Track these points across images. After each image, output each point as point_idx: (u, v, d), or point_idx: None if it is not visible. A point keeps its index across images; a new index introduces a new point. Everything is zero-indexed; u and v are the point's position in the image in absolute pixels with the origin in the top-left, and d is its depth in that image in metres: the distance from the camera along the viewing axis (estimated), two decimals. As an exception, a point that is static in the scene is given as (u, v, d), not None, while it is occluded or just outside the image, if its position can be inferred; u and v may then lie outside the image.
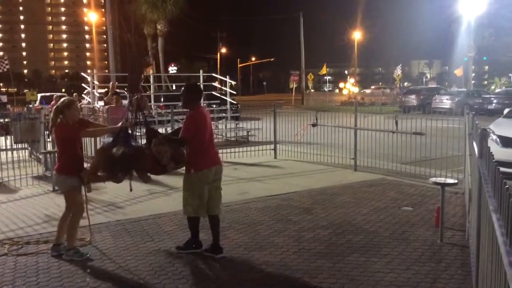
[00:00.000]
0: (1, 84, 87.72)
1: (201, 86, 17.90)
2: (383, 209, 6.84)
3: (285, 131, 12.09)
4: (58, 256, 5.17)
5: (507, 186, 2.11)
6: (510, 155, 7.74)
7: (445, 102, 27.87)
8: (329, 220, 6.34)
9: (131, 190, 5.45)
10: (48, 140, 10.23)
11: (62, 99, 5.33)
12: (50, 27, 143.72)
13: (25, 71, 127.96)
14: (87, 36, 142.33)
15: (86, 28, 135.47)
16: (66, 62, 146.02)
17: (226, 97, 18.11)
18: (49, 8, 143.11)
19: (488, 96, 29.05)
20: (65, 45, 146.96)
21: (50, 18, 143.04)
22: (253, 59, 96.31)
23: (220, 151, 10.36)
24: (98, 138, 8.94)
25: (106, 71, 63.36)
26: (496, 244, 2.10)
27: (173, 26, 37.95)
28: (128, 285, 4.52)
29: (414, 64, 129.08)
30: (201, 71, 19.13)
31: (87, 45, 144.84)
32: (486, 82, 79.82)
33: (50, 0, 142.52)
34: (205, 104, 16.70)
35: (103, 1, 52.01)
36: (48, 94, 28.90)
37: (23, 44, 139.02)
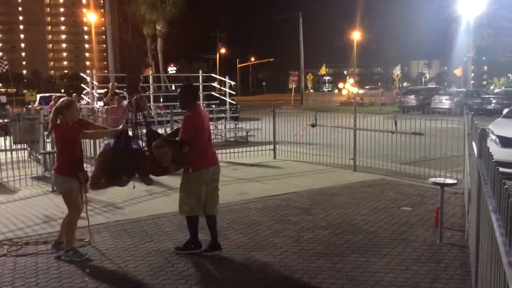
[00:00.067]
0: (0, 85, 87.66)
1: (200, 86, 17.93)
2: (383, 209, 6.84)
3: (285, 132, 12.09)
4: (57, 257, 5.17)
5: (506, 186, 2.11)
6: (509, 155, 7.74)
7: (444, 102, 27.87)
8: (329, 221, 6.34)
9: (134, 187, 5.60)
10: (47, 140, 10.21)
11: (61, 100, 5.33)
12: (49, 27, 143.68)
13: (24, 71, 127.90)
14: (86, 37, 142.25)
15: (85, 28, 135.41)
16: (65, 63, 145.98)
17: (226, 97, 18.12)
18: (48, 9, 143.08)
19: (487, 96, 29.07)
20: (64, 45, 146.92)
21: (49, 18, 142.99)
22: (253, 59, 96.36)
23: (219, 151, 10.39)
24: (97, 139, 8.91)
25: (105, 71, 63.34)
26: (495, 244, 2.11)
27: (172, 27, 37.97)
28: (127, 285, 4.52)
29: (413, 64, 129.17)
30: (200, 72, 19.13)
31: (86, 46, 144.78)
32: (485, 82, 79.91)
33: (49, 0, 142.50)
34: (204, 105, 16.72)
35: (102, 1, 51.97)
36: (47, 94, 28.91)
37: (22, 45, 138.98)
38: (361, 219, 6.39)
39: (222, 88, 18.96)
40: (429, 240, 5.48)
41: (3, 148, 10.84)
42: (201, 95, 17.77)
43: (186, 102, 5.23)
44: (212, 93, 19.00)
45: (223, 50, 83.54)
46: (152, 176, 5.36)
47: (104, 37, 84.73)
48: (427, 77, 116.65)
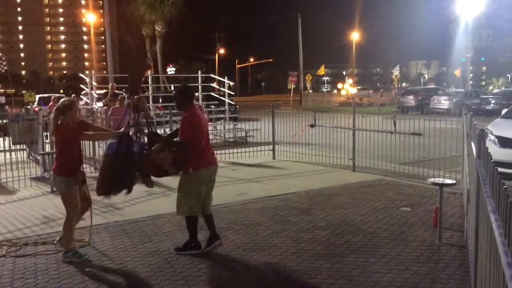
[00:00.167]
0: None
1: (200, 87, 17.93)
2: (382, 209, 6.84)
3: (284, 132, 12.09)
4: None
5: (505, 186, 2.11)
6: (508, 155, 7.74)
7: (443, 102, 27.90)
8: (328, 221, 6.34)
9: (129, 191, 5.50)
10: (46, 141, 10.21)
11: (62, 100, 5.32)
12: (48, 28, 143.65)
13: (23, 72, 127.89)
14: (85, 37, 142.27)
15: (84, 29, 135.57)
16: (64, 63, 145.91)
17: (225, 98, 18.12)
18: (47, 9, 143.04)
19: (486, 96, 29.08)
20: (63, 46, 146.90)
21: (48, 19, 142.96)
22: (252, 60, 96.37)
23: (218, 152, 10.40)
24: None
25: (104, 72, 63.26)
26: (494, 245, 2.11)
27: (171, 27, 37.96)
28: (126, 286, 4.52)
29: (412, 64, 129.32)
30: (199, 72, 19.13)
31: (85, 46, 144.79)
32: (484, 83, 79.89)
33: (48, 1, 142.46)
34: (203, 105, 16.71)
35: (101, 2, 51.97)
36: (46, 95, 28.86)
37: (21, 45, 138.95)
38: (360, 219, 6.39)
39: (221, 88, 18.96)
40: (428, 240, 5.48)
41: (2, 148, 10.81)
42: (200, 95, 17.78)
43: (182, 103, 5.28)
44: (211, 93, 19.00)
45: (222, 51, 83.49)
46: (152, 177, 5.38)
47: (103, 37, 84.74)
48: (426, 77, 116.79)
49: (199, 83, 18.10)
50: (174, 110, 11.72)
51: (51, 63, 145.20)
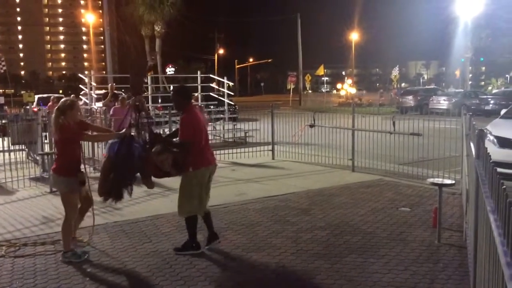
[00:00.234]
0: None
1: (199, 87, 17.93)
2: (381, 209, 6.85)
3: (283, 132, 12.09)
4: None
5: (504, 186, 2.11)
6: (507, 155, 7.75)
7: (442, 103, 27.90)
8: (327, 221, 6.34)
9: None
10: (45, 141, 10.20)
11: (63, 100, 5.32)
12: (48, 28, 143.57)
13: (22, 72, 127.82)
14: (84, 38, 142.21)
15: (84, 29, 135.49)
16: (63, 63, 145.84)
17: (224, 98, 18.12)
18: (46, 10, 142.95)
19: (485, 97, 29.10)
20: (62, 46, 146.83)
21: (47, 19, 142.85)
22: (251, 60, 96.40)
23: (217, 152, 10.39)
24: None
25: (104, 72, 63.24)
26: (493, 245, 2.11)
27: (170, 28, 37.92)
28: (125, 286, 4.52)
29: (411, 65, 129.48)
30: (198, 72, 19.13)
31: (85, 47, 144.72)
32: (483, 83, 79.99)
33: (48, 1, 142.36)
34: (203, 105, 16.71)
35: (100, 2, 51.98)
36: (45, 95, 28.83)
37: (20, 46, 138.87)
38: (359, 219, 6.39)
39: (221, 88, 18.96)
40: (428, 241, 5.49)
41: (1, 149, 10.80)
42: (199, 95, 17.78)
43: (180, 103, 5.32)
44: (211, 93, 19.00)
45: (221, 51, 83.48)
46: (153, 178, 5.40)
47: (102, 38, 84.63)
48: (425, 77, 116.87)
49: (199, 83, 18.10)
50: (173, 111, 11.73)
51: (50, 63, 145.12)
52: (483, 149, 3.28)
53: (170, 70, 50.07)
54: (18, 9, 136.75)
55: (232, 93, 22.94)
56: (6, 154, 10.40)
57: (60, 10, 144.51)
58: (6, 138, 10.93)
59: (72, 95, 19.67)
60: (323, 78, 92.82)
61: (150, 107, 16.52)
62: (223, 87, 18.51)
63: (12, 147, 10.66)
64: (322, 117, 12.29)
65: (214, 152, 5.87)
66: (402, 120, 10.04)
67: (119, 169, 5.04)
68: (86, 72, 25.50)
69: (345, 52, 74.08)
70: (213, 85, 19.96)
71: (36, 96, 28.83)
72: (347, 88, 62.54)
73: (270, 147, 12.13)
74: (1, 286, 4.48)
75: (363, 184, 8.60)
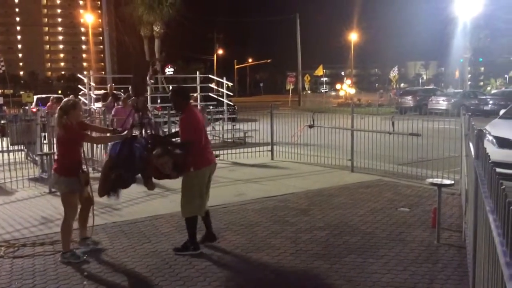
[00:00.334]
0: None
1: (198, 87, 17.92)
2: (380, 210, 6.85)
3: (282, 133, 12.09)
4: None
5: (503, 186, 2.12)
6: (506, 155, 7.76)
7: (442, 103, 27.92)
8: (326, 221, 6.34)
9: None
10: (44, 142, 10.20)
11: (66, 100, 5.34)
12: (46, 28, 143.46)
13: (21, 72, 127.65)
14: (83, 38, 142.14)
15: (83, 29, 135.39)
16: (62, 64, 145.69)
17: (223, 98, 18.12)
18: (45, 10, 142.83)
19: (484, 97, 29.13)
20: (61, 46, 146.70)
21: (46, 19, 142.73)
22: (250, 60, 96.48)
23: (217, 152, 10.38)
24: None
25: (103, 72, 63.22)
26: (493, 245, 2.11)
27: (169, 28, 37.92)
28: (125, 286, 4.51)
29: (410, 65, 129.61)
30: (198, 73, 19.12)
31: (84, 47, 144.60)
32: (482, 83, 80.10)
33: (46, 1, 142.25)
34: (202, 105, 16.70)
35: (99, 2, 51.94)
36: (44, 95, 28.81)
37: (19, 46, 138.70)
38: (358, 219, 6.39)
39: (220, 89, 18.95)
40: (427, 241, 5.49)
41: (0, 149, 10.80)
42: (198, 96, 17.77)
43: (179, 104, 5.33)
44: (210, 94, 19.00)
45: (220, 51, 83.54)
46: (153, 179, 5.41)
47: (101, 38, 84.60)
48: (424, 78, 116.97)
49: (198, 83, 18.09)
50: (172, 111, 11.73)
51: (49, 64, 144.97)
52: (482, 149, 3.28)
53: (169, 71, 50.05)
54: (17, 10, 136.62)
55: (231, 94, 22.93)
56: (5, 154, 10.38)
57: (59, 11, 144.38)
58: (5, 139, 10.93)
59: (71, 96, 19.69)
60: (322, 79, 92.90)
61: (149, 108, 16.53)
62: (222, 87, 18.50)
63: (11, 148, 10.66)
64: (321, 118, 12.29)
65: (214, 152, 5.89)
66: (401, 121, 10.05)
67: (119, 169, 5.05)
68: (85, 73, 25.47)
69: (344, 52, 74.24)
70: (212, 85, 19.94)
71: (35, 97, 28.80)
72: (346, 88, 62.54)
73: (269, 147, 12.13)
74: (0, 286, 4.48)
75: (362, 185, 8.60)
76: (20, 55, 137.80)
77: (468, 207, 4.70)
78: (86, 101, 16.90)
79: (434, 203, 6.25)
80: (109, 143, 5.68)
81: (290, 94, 46.58)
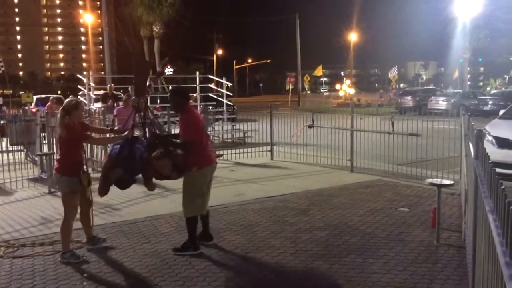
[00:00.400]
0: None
1: (198, 87, 17.93)
2: (380, 210, 6.85)
3: (282, 133, 12.09)
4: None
5: (503, 186, 2.12)
6: (506, 156, 7.76)
7: (441, 103, 27.94)
8: (326, 222, 6.34)
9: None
10: (44, 142, 10.19)
11: (68, 100, 5.35)
12: (46, 29, 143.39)
13: (21, 73, 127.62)
14: (83, 38, 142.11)
15: (82, 30, 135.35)
16: (61, 64, 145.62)
17: (223, 98, 18.12)
18: (45, 10, 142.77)
19: (483, 97, 29.15)
20: (61, 47, 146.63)
21: (45, 20, 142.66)
22: (249, 60, 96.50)
23: (216, 152, 10.36)
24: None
25: (102, 72, 63.23)
26: (492, 245, 2.11)
27: (169, 28, 37.91)
28: (124, 287, 4.51)
29: (410, 65, 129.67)
30: (197, 73, 19.13)
31: (83, 47, 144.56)
32: (481, 84, 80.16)
33: (46, 2, 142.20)
34: (201, 106, 16.71)
35: (99, 3, 51.92)
36: (43, 96, 28.79)
37: (19, 46, 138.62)
38: (358, 220, 6.39)
39: (219, 89, 18.96)
40: (426, 241, 5.49)
41: (0, 149, 10.80)
42: (198, 96, 17.77)
43: (178, 104, 5.34)
44: (209, 94, 19.00)
45: (220, 52, 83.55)
46: (154, 180, 5.42)
47: (100, 38, 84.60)
48: (424, 78, 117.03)
49: (197, 83, 18.09)
50: (172, 111, 11.72)
51: (48, 64, 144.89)
52: (482, 150, 3.28)
53: (168, 71, 50.05)
54: (16, 10, 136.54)
55: (231, 94, 22.94)
56: (5, 154, 10.38)
57: (58, 11, 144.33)
58: (4, 139, 10.92)
59: (70, 96, 19.68)
60: (321, 79, 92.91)
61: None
62: (221, 87, 18.51)
63: (10, 148, 10.66)
64: (320, 118, 12.30)
65: (217, 152, 5.91)
66: (401, 121, 10.05)
67: (119, 170, 5.06)
68: (84, 73, 25.47)
69: (344, 52, 74.27)
70: (212, 85, 19.95)
71: (35, 97, 28.77)
72: (345, 88, 62.57)
73: (269, 147, 12.13)
74: (0, 286, 4.48)
75: (362, 185, 8.60)
76: (19, 55, 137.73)
77: (468, 207, 4.70)
78: (86, 102, 16.90)
79: (433, 203, 6.25)
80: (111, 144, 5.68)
81: (290, 94, 46.61)
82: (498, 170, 2.61)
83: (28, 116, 11.02)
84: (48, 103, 18.36)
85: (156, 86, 25.34)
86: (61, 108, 5.22)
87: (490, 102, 26.75)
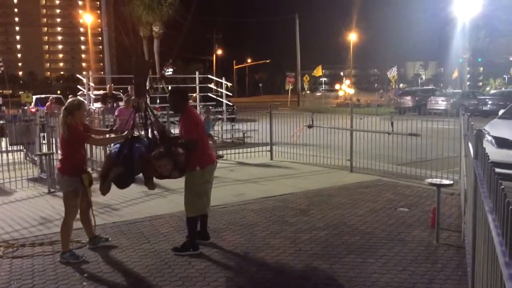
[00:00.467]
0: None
1: (197, 87, 17.92)
2: (379, 210, 6.85)
3: (281, 133, 12.09)
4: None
5: (502, 186, 2.12)
6: (505, 156, 7.76)
7: (441, 103, 27.96)
8: (326, 221, 6.34)
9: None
10: (43, 142, 10.19)
11: (71, 100, 5.35)
12: (46, 29, 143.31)
13: (20, 73, 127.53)
14: (82, 38, 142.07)
15: (82, 30, 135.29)
16: (61, 64, 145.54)
17: (222, 98, 18.11)
18: (44, 10, 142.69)
19: (483, 97, 29.17)
20: (60, 47, 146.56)
21: (45, 20, 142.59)
22: (249, 60, 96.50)
23: (220, 153, 10.38)
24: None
25: (102, 72, 63.20)
26: (492, 245, 2.11)
27: (168, 28, 37.88)
28: (124, 287, 4.51)
29: (409, 65, 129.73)
30: (197, 73, 19.12)
31: (83, 47, 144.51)
32: (481, 84, 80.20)
33: (45, 2, 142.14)
34: (201, 106, 16.71)
35: (98, 3, 51.93)
36: (43, 96, 28.83)
37: (18, 46, 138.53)
38: (358, 220, 6.39)
39: (219, 89, 18.95)
40: (426, 241, 5.49)
41: (-1, 149, 10.81)
42: (197, 96, 17.77)
43: (178, 104, 5.34)
44: (209, 94, 18.99)
45: (219, 52, 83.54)
46: (154, 179, 5.42)
47: (100, 38, 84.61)
48: (423, 78, 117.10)
49: (197, 83, 18.08)
50: (171, 111, 11.72)
51: (48, 64, 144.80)
52: (481, 150, 3.29)
53: (168, 71, 50.03)
54: (16, 10, 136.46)
55: (231, 94, 22.93)
56: (4, 154, 10.39)
57: (58, 11, 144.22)
58: (4, 139, 10.92)
59: (70, 96, 19.67)
60: (321, 79, 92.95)
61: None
62: (221, 87, 18.50)
63: (10, 148, 10.66)
64: (320, 118, 12.30)
65: (217, 152, 5.92)
66: (400, 121, 10.05)
67: (119, 169, 5.06)
68: (84, 73, 25.46)
69: (343, 52, 74.36)
70: (211, 85, 19.94)
71: (34, 97, 28.78)
72: (345, 88, 62.60)
73: (268, 147, 12.13)
74: (0, 287, 4.48)
75: (362, 185, 8.60)
76: (19, 55, 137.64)
77: (467, 207, 4.70)
78: (85, 102, 16.89)
79: (433, 203, 6.26)
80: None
81: (289, 94, 46.60)
82: (497, 170, 2.61)
83: (27, 116, 11.02)
84: (48, 103, 18.36)
85: (156, 86, 25.31)
86: (63, 108, 5.23)
87: (490, 102, 26.77)
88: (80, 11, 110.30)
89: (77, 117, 5.11)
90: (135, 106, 5.50)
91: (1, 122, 12.47)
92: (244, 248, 5.40)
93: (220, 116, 16.93)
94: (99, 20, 43.51)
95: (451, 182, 5.71)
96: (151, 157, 4.99)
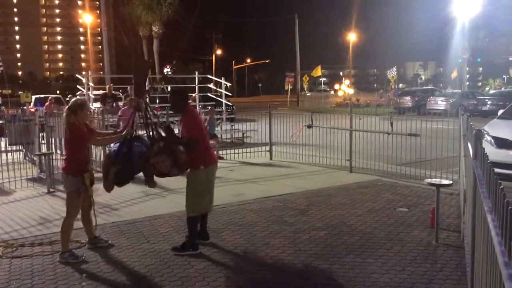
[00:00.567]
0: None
1: (197, 87, 17.92)
2: (379, 210, 6.85)
3: (281, 133, 12.10)
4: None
5: (502, 186, 2.12)
6: (504, 156, 7.77)
7: (440, 103, 27.97)
8: (325, 221, 6.34)
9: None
10: (43, 142, 10.19)
11: (74, 99, 5.39)
12: (45, 29, 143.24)
13: (20, 72, 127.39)
14: (82, 38, 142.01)
15: (81, 29, 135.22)
16: (60, 64, 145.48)
17: (222, 98, 18.11)
18: (44, 10, 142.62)
19: (482, 97, 29.19)
20: (59, 47, 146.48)
21: (44, 19, 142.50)
22: (248, 60, 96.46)
23: (215, 152, 10.36)
24: None
25: (101, 72, 63.19)
26: (491, 244, 2.11)
27: (168, 28, 37.87)
28: (123, 287, 4.51)
29: (409, 65, 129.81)
30: (196, 73, 19.12)
31: (82, 47, 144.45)
32: (480, 84, 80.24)
33: (45, 1, 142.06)
34: (200, 106, 16.71)
35: (98, 3, 51.91)
36: (42, 96, 28.79)
37: (18, 46, 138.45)
38: (357, 220, 6.40)
39: (218, 89, 18.95)
40: (425, 241, 5.49)
41: (-2, 149, 10.80)
42: (197, 96, 17.76)
43: (178, 104, 5.36)
44: (208, 94, 18.99)
45: (219, 52, 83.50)
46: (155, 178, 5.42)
47: (99, 38, 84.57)
48: (423, 78, 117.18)
49: (196, 83, 18.08)
50: (171, 111, 11.72)
51: (47, 64, 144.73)
52: (481, 150, 3.29)
53: (168, 71, 50.02)
54: (15, 10, 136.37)
55: (230, 94, 22.94)
56: (3, 154, 10.38)
57: (57, 11, 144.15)
58: (3, 139, 10.91)
59: (69, 96, 19.62)
60: (320, 79, 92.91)
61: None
62: (220, 87, 18.50)
63: (9, 148, 10.65)
64: (320, 118, 12.30)
65: (218, 153, 5.93)
66: (400, 121, 10.06)
67: (119, 167, 5.06)
68: (83, 73, 25.46)
69: (343, 52, 74.41)
70: (211, 85, 19.94)
71: (34, 97, 28.73)
72: (344, 88, 62.59)
73: (268, 147, 12.13)
74: (-1, 287, 4.48)
75: (361, 185, 8.61)
76: (18, 55, 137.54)
77: (467, 207, 4.71)
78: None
79: (432, 203, 6.26)
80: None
81: (289, 94, 46.59)
82: (496, 170, 2.61)
83: (26, 116, 11.01)
84: (47, 103, 18.34)
85: (156, 86, 25.32)
86: (67, 107, 5.25)
87: (489, 102, 26.78)
88: (80, 11, 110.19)
89: (80, 117, 5.13)
90: (135, 106, 5.51)
91: (1, 122, 12.46)
92: (244, 248, 5.40)
93: (219, 116, 16.93)
94: (99, 20, 43.47)
95: (451, 182, 5.72)
96: (151, 154, 5.00)
